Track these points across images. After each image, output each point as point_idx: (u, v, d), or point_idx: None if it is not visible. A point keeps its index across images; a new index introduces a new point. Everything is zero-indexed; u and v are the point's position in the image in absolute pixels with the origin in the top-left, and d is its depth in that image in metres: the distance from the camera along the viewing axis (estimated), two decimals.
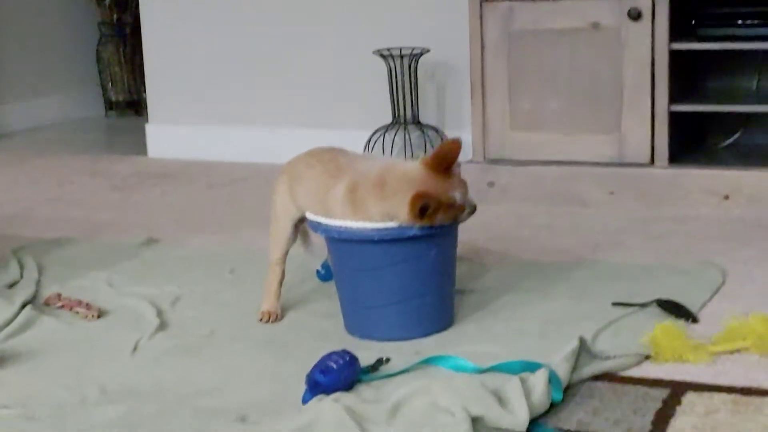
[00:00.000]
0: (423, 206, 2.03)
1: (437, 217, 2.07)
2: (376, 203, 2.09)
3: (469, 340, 2.15)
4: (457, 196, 2.09)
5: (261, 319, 2.31)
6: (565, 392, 1.85)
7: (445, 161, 2.08)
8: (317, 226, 2.19)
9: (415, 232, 2.10)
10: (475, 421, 1.71)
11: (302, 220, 2.29)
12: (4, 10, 5.09)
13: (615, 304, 2.29)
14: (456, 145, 2.08)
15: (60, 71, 5.38)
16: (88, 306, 2.40)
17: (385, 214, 2.09)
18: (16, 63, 5.14)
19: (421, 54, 3.71)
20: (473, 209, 2.15)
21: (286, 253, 2.32)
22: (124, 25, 5.47)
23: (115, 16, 5.46)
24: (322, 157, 2.25)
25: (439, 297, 2.20)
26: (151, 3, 4.28)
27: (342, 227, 2.14)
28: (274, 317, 2.31)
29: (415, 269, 2.14)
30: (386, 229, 2.10)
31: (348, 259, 2.18)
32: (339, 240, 2.17)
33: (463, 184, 2.12)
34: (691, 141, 3.37)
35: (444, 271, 2.21)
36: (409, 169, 2.11)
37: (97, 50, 5.53)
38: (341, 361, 1.90)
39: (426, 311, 2.18)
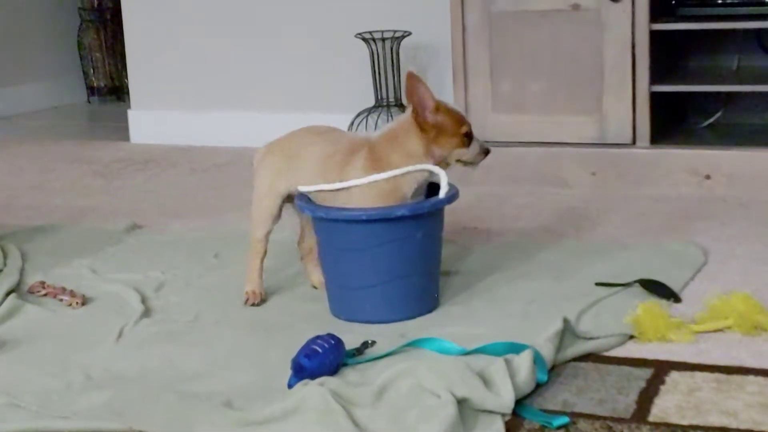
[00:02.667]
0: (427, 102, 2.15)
1: (443, 124, 2.17)
2: (396, 152, 2.16)
3: (454, 321, 2.16)
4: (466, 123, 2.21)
5: (246, 301, 2.30)
6: (550, 373, 1.86)
7: (413, 96, 2.17)
8: (304, 207, 2.20)
9: (403, 212, 2.11)
10: (461, 402, 1.72)
11: (289, 198, 2.28)
12: None
13: (598, 284, 2.31)
14: (409, 77, 2.18)
15: (41, 58, 5.35)
16: (72, 293, 2.40)
17: (406, 157, 2.16)
18: None
19: (403, 37, 3.71)
20: (487, 150, 2.25)
21: (269, 231, 2.32)
22: (105, 10, 5.45)
23: (95, 1, 5.43)
24: (324, 134, 2.29)
25: (425, 278, 2.21)
26: None
27: (330, 208, 2.15)
28: (258, 298, 2.31)
29: (403, 250, 2.15)
30: (374, 209, 2.12)
31: (335, 239, 2.18)
32: (327, 220, 2.17)
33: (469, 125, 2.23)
34: (672, 121, 3.39)
35: (431, 252, 2.22)
36: (407, 116, 2.21)
37: (78, 36, 5.50)
38: (326, 345, 1.91)
39: (413, 293, 2.19)
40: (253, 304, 2.30)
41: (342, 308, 2.22)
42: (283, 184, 2.27)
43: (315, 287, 2.38)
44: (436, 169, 2.17)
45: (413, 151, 2.17)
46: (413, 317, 2.18)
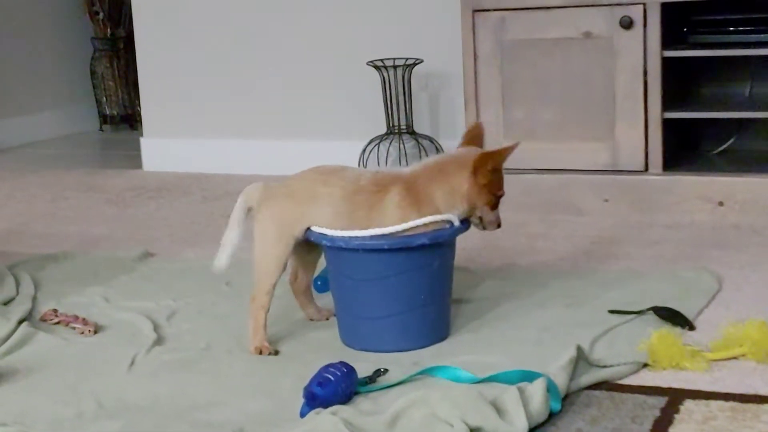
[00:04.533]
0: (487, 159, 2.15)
1: (492, 181, 2.17)
2: (440, 187, 2.14)
3: (467, 350, 2.15)
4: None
5: (260, 354, 2.19)
6: (563, 401, 1.85)
7: (477, 138, 2.25)
8: (322, 237, 2.17)
9: (423, 241, 2.11)
10: (474, 431, 1.71)
11: (298, 242, 2.22)
12: None
13: (611, 311, 2.30)
14: (479, 125, 2.27)
15: (54, 86, 5.38)
16: (84, 321, 2.40)
17: (449, 194, 2.14)
18: (10, 78, 5.15)
19: (415, 64, 3.72)
20: (500, 223, 2.25)
21: (277, 282, 2.23)
22: (118, 39, 5.48)
23: (108, 30, 5.47)
24: (336, 173, 2.19)
25: (440, 307, 2.21)
26: (145, 17, 4.29)
27: (349, 236, 2.12)
28: (272, 350, 2.20)
29: (422, 278, 2.14)
30: (395, 237, 2.11)
31: (352, 269, 2.17)
32: (345, 249, 2.15)
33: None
34: (685, 148, 3.38)
35: (445, 280, 2.22)
36: (463, 151, 2.21)
37: (91, 65, 5.54)
38: (339, 373, 1.90)
39: (428, 321, 2.19)
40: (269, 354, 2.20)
41: (356, 338, 2.21)
42: (297, 228, 2.19)
43: (312, 320, 2.37)
44: (456, 221, 2.16)
45: (458, 189, 2.15)
46: (428, 346, 2.17)
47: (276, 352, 2.20)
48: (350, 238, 2.13)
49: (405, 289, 2.14)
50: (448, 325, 2.25)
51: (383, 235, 2.11)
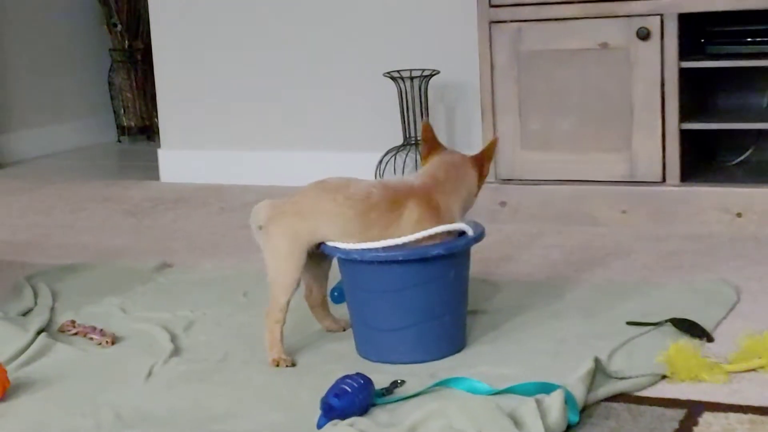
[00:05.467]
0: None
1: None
2: (459, 196, 2.20)
3: (484, 361, 2.14)
4: None
5: (278, 366, 2.18)
6: (581, 413, 1.84)
7: (488, 158, 2.28)
8: (336, 250, 2.17)
9: (439, 251, 2.11)
10: None
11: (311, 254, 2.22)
12: (17, 37, 5.13)
13: (629, 323, 2.29)
14: (427, 127, 2.30)
15: (72, 98, 5.41)
16: (102, 332, 2.41)
17: (466, 200, 2.22)
18: (29, 91, 5.18)
19: (431, 75, 3.72)
20: None
21: (290, 299, 2.21)
22: (136, 51, 5.51)
23: (126, 42, 5.50)
24: (341, 189, 2.17)
25: (457, 318, 2.21)
26: (163, 29, 4.31)
27: (364, 249, 2.12)
28: (290, 361, 2.19)
29: (438, 289, 2.14)
30: (411, 248, 2.11)
31: (368, 281, 2.16)
32: (361, 262, 2.14)
33: None
34: (702, 159, 3.37)
35: (461, 291, 2.21)
36: (454, 156, 2.27)
37: (109, 77, 5.56)
38: (355, 385, 1.90)
39: (445, 332, 2.18)
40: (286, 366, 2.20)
41: (372, 350, 2.20)
42: (308, 244, 2.17)
43: (329, 331, 2.37)
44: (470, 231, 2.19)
45: (473, 191, 2.24)
46: (444, 357, 2.17)
47: (293, 364, 2.19)
48: (364, 250, 2.13)
49: (421, 300, 2.14)
50: (464, 336, 2.24)
51: (397, 246, 2.11)
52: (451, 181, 2.20)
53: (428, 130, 2.28)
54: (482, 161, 2.25)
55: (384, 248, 2.11)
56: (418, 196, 2.15)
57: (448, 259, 2.13)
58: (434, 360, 2.16)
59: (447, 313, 2.17)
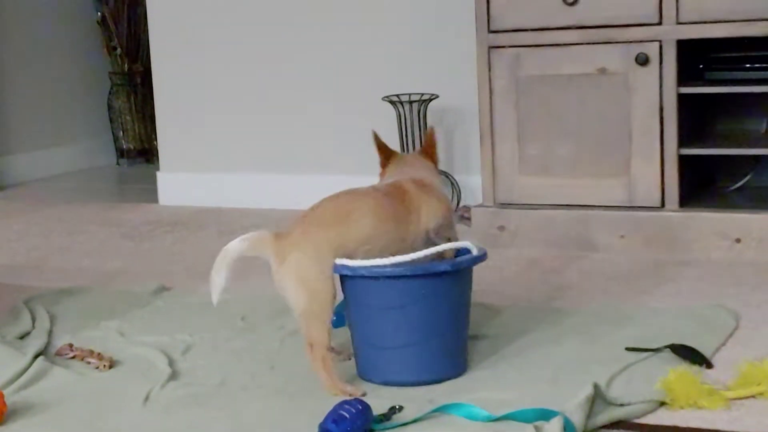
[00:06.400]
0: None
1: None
2: (440, 191, 2.33)
3: (482, 386, 2.14)
4: None
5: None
6: None
7: (432, 148, 2.43)
8: (342, 268, 2.14)
9: (446, 268, 2.13)
10: None
11: None
12: (17, 60, 5.14)
13: (628, 349, 2.28)
14: (432, 132, 2.46)
15: (72, 121, 5.42)
16: (99, 356, 2.40)
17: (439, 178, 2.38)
18: (28, 113, 5.19)
19: (430, 100, 3.73)
20: None
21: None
22: (135, 74, 5.52)
23: (126, 65, 5.51)
24: (349, 193, 2.26)
25: (459, 338, 2.22)
26: (162, 53, 4.32)
27: (371, 265, 2.12)
28: (358, 392, 2.11)
29: (442, 306, 2.15)
30: (418, 265, 2.14)
31: (374, 297, 2.16)
32: (368, 278, 2.14)
33: None
34: (701, 184, 3.37)
35: (463, 310, 2.23)
36: (422, 161, 2.41)
37: (108, 100, 5.58)
38: (354, 410, 1.89)
39: (448, 351, 2.19)
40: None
41: (374, 369, 2.19)
42: (337, 254, 2.13)
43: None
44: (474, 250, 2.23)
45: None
46: (448, 378, 2.17)
47: (363, 393, 2.11)
48: (372, 267, 2.13)
49: (428, 316, 2.14)
50: (466, 357, 2.24)
51: (405, 263, 2.13)
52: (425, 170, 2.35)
53: (377, 138, 2.42)
54: (429, 152, 2.41)
55: (391, 264, 2.12)
56: (413, 181, 2.27)
57: (453, 276, 2.15)
58: (438, 381, 2.15)
59: (448, 331, 2.17)
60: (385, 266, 2.12)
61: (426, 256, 2.15)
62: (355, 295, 2.21)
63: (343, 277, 2.20)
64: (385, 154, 2.40)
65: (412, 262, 2.13)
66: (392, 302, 2.14)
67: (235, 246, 2.17)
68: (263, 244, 2.16)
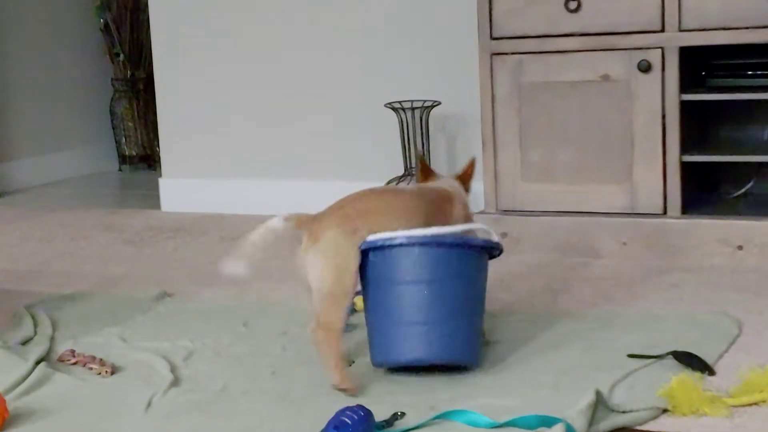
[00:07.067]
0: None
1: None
2: (467, 202, 2.47)
3: (484, 392, 2.13)
4: None
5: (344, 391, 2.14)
6: None
7: (469, 176, 2.54)
8: (377, 241, 2.15)
9: (480, 242, 2.23)
10: None
11: None
12: (19, 66, 5.15)
13: (630, 355, 2.28)
14: (473, 162, 2.57)
15: (74, 127, 5.42)
16: (101, 362, 2.40)
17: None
18: (31, 119, 5.19)
19: (432, 106, 3.73)
20: None
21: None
22: (138, 80, 5.53)
23: (128, 72, 5.52)
24: (378, 188, 2.44)
25: (479, 321, 2.25)
26: (164, 59, 4.33)
27: (408, 235, 2.16)
28: (355, 391, 2.14)
29: (469, 286, 2.20)
30: (453, 236, 2.21)
31: (409, 270, 2.16)
32: (406, 246, 2.15)
33: None
34: (704, 191, 3.37)
35: (483, 295, 2.27)
36: (455, 182, 2.52)
37: (110, 106, 5.58)
38: (356, 417, 1.89)
39: (471, 332, 2.21)
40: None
41: (391, 349, 2.18)
42: (360, 239, 2.16)
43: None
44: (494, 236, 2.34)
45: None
46: (468, 360, 2.21)
47: (355, 389, 2.15)
48: (409, 236, 2.16)
49: (458, 293, 2.18)
50: (479, 348, 2.28)
51: (441, 234, 2.19)
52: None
53: (422, 160, 2.57)
54: (465, 179, 2.52)
55: (430, 235, 2.18)
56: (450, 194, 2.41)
57: (483, 255, 2.24)
58: (457, 361, 2.20)
59: (475, 312, 2.22)
60: (423, 235, 2.17)
61: (457, 233, 2.23)
62: (380, 272, 2.18)
63: (371, 258, 2.18)
64: (425, 174, 2.52)
65: (446, 234, 2.19)
66: (428, 275, 2.15)
67: (278, 223, 2.19)
68: (302, 222, 2.19)
